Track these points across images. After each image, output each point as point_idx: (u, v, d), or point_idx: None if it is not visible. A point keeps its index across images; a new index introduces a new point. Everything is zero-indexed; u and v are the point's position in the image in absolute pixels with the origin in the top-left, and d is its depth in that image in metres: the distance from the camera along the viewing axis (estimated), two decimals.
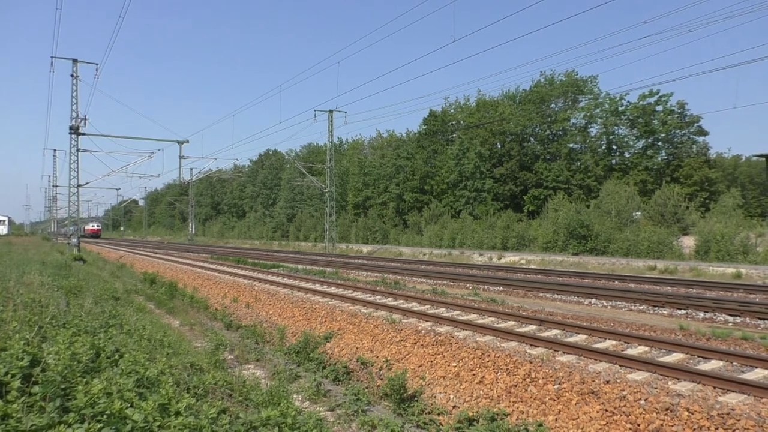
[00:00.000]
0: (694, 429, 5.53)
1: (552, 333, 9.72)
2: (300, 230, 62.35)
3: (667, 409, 5.89)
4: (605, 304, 14.18)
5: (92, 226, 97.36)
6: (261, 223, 74.67)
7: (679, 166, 42.76)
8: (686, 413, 5.74)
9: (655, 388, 6.43)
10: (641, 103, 43.56)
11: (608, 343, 8.85)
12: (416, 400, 7.60)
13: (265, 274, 21.91)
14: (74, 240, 36.16)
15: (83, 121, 34.57)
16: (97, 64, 34.66)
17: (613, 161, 46.37)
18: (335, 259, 33.34)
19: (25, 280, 10.52)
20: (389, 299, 14.20)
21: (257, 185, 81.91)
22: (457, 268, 25.67)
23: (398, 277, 20.91)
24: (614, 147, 46.79)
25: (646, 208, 34.72)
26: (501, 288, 17.43)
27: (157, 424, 3.72)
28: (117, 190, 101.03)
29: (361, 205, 57.48)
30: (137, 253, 41.59)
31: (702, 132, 43.24)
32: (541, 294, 16.11)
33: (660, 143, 44.29)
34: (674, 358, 7.84)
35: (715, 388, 6.37)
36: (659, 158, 43.95)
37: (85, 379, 4.09)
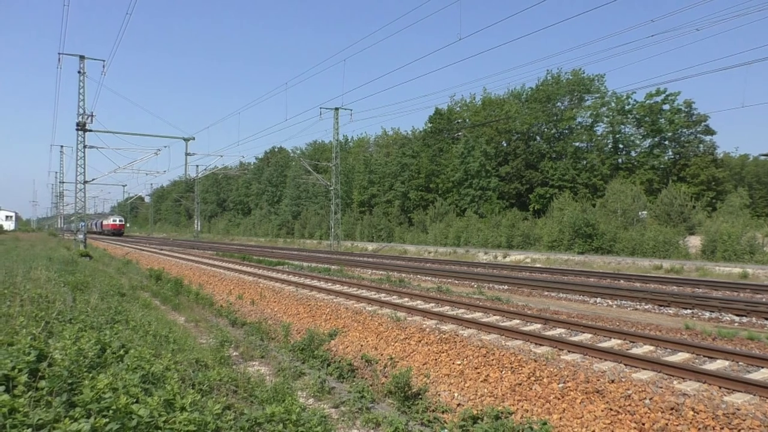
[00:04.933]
0: (700, 428, 5.50)
1: (557, 332, 9.70)
2: (305, 228, 62.47)
3: (672, 409, 5.87)
4: (610, 303, 14.13)
5: (113, 220, 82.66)
6: (266, 221, 74.86)
7: (685, 166, 42.52)
8: (691, 413, 5.72)
9: (661, 387, 6.41)
10: (648, 101, 43.34)
11: (613, 342, 8.82)
12: (420, 398, 7.60)
13: (270, 271, 21.96)
14: (80, 236, 36.38)
15: (90, 118, 34.75)
16: (104, 61, 34.87)
17: (620, 160, 46.19)
18: (340, 256, 33.36)
19: (32, 275, 10.61)
20: (394, 297, 14.20)
21: (263, 182, 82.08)
22: (462, 267, 25.64)
23: (403, 275, 20.91)
24: (620, 146, 46.58)
25: (652, 208, 34.57)
26: (506, 286, 17.40)
27: (163, 419, 3.74)
28: (123, 186, 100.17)
29: (366, 203, 57.51)
30: (143, 250, 41.77)
31: (709, 131, 43.00)
32: (546, 293, 16.07)
33: (667, 142, 44.07)
34: (680, 357, 7.81)
35: (720, 387, 6.34)
36: (666, 157, 43.74)
37: (91, 375, 4.13)
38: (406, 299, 13.78)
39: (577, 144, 46.75)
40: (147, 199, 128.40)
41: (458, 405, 7.47)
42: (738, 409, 5.65)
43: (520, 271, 22.86)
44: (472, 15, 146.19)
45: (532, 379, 7.33)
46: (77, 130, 34.50)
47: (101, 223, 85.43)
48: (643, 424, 5.80)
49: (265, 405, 5.16)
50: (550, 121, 47.64)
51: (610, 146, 46.57)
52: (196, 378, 5.53)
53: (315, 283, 17.62)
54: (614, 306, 13.80)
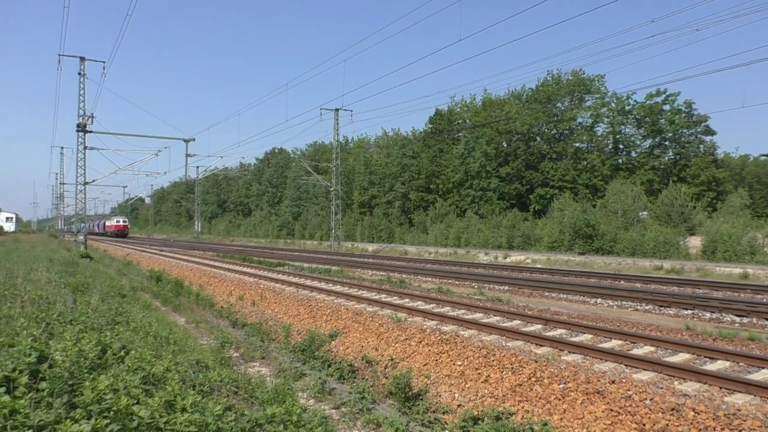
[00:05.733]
0: (700, 429, 5.50)
1: (557, 332, 9.70)
2: (305, 228, 62.50)
3: (672, 409, 5.87)
4: (611, 303, 14.13)
5: (117, 221, 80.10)
6: (267, 222, 74.89)
7: (686, 166, 42.52)
8: (692, 413, 5.72)
9: (661, 388, 6.41)
10: (648, 102, 43.34)
11: (614, 343, 8.82)
12: (421, 399, 7.60)
13: (270, 272, 21.96)
14: (81, 237, 36.39)
15: (90, 119, 34.76)
16: (104, 62, 34.88)
17: (620, 161, 46.16)
18: (340, 257, 33.36)
19: (32, 277, 10.61)
20: (394, 298, 14.20)
21: (263, 183, 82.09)
22: (462, 267, 25.64)
23: (403, 275, 20.91)
24: (621, 146, 46.57)
25: (652, 208, 34.57)
26: (506, 287, 17.39)
27: (163, 420, 3.74)
28: (124, 187, 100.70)
29: (367, 203, 57.51)
30: (143, 251, 41.78)
31: (709, 131, 43.01)
32: (546, 293, 16.06)
33: (667, 143, 44.07)
34: (680, 358, 7.80)
35: (721, 388, 6.34)
36: (666, 158, 43.72)
37: (91, 376, 4.12)
38: (407, 300, 13.78)
39: (577, 144, 46.76)
40: (147, 201, 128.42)
41: (459, 406, 7.47)
42: (739, 410, 5.65)
43: (520, 272, 22.85)
44: (472, 16, 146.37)
45: (533, 379, 7.32)
46: (77, 131, 34.51)
47: (104, 224, 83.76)
48: (644, 425, 5.80)
49: (266, 406, 5.16)
50: (551, 122, 47.64)
51: (610, 147, 46.56)
52: (197, 379, 5.53)
53: (315, 284, 17.61)
54: (615, 306, 13.79)
